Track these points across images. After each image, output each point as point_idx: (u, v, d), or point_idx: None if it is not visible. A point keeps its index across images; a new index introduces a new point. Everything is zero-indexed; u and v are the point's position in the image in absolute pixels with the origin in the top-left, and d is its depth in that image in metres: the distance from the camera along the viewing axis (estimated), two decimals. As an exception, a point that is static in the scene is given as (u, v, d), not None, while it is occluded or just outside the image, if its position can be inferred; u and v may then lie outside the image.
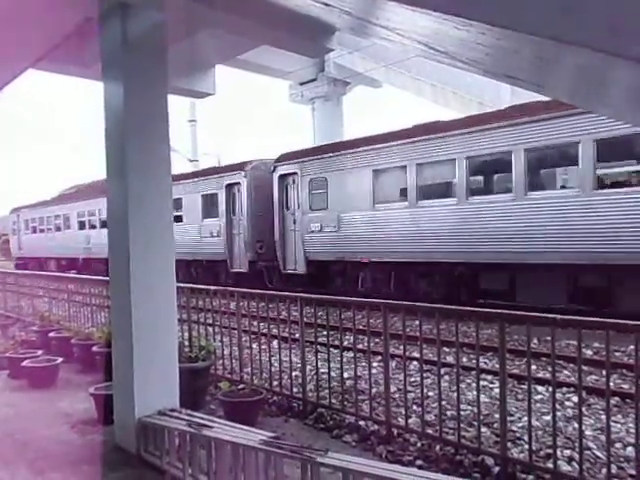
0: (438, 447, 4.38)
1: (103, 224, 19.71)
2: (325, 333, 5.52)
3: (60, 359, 7.06)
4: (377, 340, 6.47)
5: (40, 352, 7.53)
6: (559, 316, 3.66)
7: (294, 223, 14.99)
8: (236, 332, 6.42)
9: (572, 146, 9.51)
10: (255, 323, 6.16)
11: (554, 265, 9.80)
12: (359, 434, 4.82)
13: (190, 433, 3.93)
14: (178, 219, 17.17)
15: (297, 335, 5.91)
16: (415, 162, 11.88)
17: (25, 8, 3.90)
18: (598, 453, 4.27)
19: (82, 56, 5.18)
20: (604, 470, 3.79)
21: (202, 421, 4.09)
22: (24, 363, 6.93)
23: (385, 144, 12.58)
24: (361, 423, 4.99)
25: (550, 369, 3.98)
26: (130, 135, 4.45)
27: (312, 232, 14.40)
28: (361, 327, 5.76)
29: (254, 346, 6.12)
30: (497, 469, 3.96)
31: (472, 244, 10.92)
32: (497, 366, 6.42)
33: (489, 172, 11.43)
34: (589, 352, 7.37)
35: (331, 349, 5.45)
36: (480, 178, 11.60)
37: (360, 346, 5.40)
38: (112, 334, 5.04)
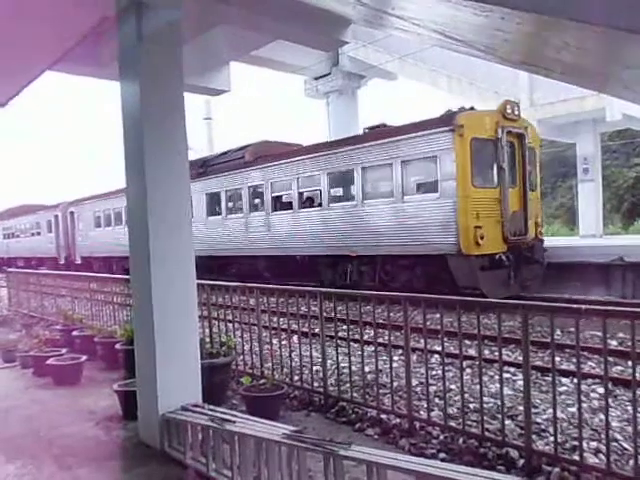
0: (461, 440, 4.35)
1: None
2: (345, 327, 5.52)
3: (84, 357, 7.15)
4: (397, 334, 6.45)
5: (64, 350, 7.64)
6: (584, 306, 3.61)
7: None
8: (256, 328, 6.45)
9: (388, 165, 12.15)
10: (275, 319, 6.17)
11: (373, 255, 12.70)
12: (381, 427, 4.80)
13: (213, 428, 3.95)
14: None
15: (317, 330, 5.92)
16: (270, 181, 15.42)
17: (43, 9, 3.94)
18: (625, 445, 4.21)
19: (98, 57, 5.22)
20: (631, 462, 3.72)
21: (225, 416, 4.11)
22: (49, 361, 7.02)
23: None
24: (383, 416, 4.98)
25: (574, 360, 3.93)
26: (147, 134, 4.47)
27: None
28: (381, 321, 5.75)
29: (274, 341, 6.14)
30: (522, 461, 3.92)
31: (328, 240, 13.73)
32: (520, 358, 6.38)
33: (342, 185, 14.04)
34: (614, 342, 7.27)
35: (351, 343, 5.44)
36: (336, 190, 14.10)
37: (380, 340, 5.37)
38: (134, 332, 5.09)
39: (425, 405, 4.76)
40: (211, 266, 16.44)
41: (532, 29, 1.66)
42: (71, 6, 4.01)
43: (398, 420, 4.87)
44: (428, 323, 4.65)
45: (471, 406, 4.98)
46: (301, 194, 14.64)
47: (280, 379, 5.85)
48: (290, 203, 14.88)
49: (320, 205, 14.02)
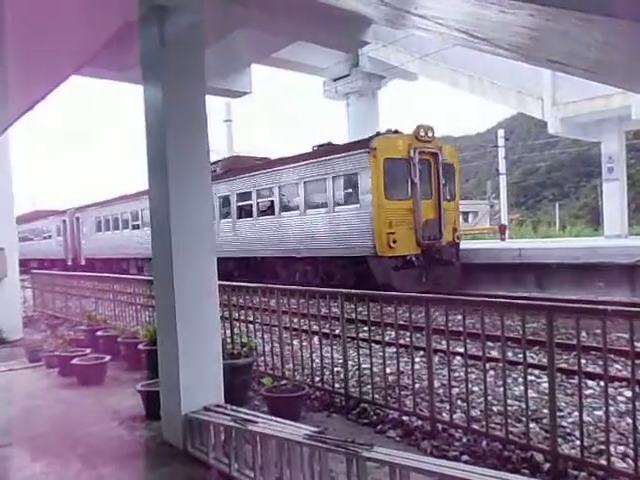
0: (485, 442, 4.30)
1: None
2: (366, 329, 5.50)
3: (107, 357, 7.24)
4: (418, 335, 6.41)
5: (88, 350, 7.73)
6: (610, 307, 3.54)
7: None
8: (276, 329, 6.46)
9: (323, 180, 14.35)
10: (295, 320, 6.18)
11: (315, 257, 14.83)
12: (403, 429, 4.78)
13: (235, 428, 3.97)
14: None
15: (337, 331, 5.91)
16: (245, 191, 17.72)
17: (68, 15, 4.01)
18: (654, 449, 4.11)
19: (122, 61, 5.29)
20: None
21: (247, 416, 4.13)
22: (73, 361, 7.13)
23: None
24: (405, 418, 4.95)
25: (600, 363, 3.86)
26: (170, 136, 4.52)
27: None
28: (402, 322, 5.72)
29: (295, 342, 6.14)
30: (547, 465, 3.87)
31: (281, 244, 15.93)
32: (544, 360, 6.29)
33: (290, 196, 15.93)
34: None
35: (372, 344, 5.42)
36: (286, 200, 16.09)
37: (402, 341, 5.35)
38: (157, 332, 5.14)
39: (447, 407, 4.72)
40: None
41: (561, 26, 1.63)
42: (94, 13, 4.07)
43: (420, 422, 4.84)
44: (450, 325, 4.61)
45: (494, 409, 4.92)
46: (259, 204, 16.97)
47: (301, 380, 5.85)
48: (251, 211, 17.27)
49: (273, 213, 16.31)
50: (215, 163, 18.65)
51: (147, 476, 4.18)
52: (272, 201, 16.29)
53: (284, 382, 5.64)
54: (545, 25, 1.61)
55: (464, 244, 16.32)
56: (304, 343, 6.14)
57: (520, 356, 6.63)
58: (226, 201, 18.28)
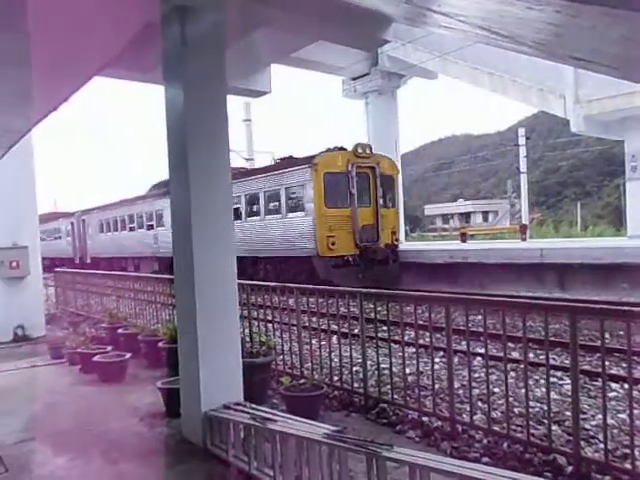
0: (505, 444, 4.26)
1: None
2: (384, 328, 5.48)
3: (128, 355, 7.31)
4: (437, 335, 6.37)
5: (109, 348, 7.81)
6: (636, 308, 3.47)
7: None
8: (295, 328, 6.47)
9: (278, 190, 16.79)
10: (314, 319, 6.18)
11: (272, 257, 17.15)
12: (422, 430, 4.75)
13: (255, 426, 3.98)
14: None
15: (356, 330, 5.90)
16: None
17: (91, 17, 4.05)
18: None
19: (143, 61, 5.33)
20: (687, 472, 3.57)
21: (266, 415, 4.14)
22: (95, 358, 7.21)
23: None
24: (424, 419, 4.92)
25: (625, 365, 3.79)
26: (191, 136, 4.55)
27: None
28: (421, 322, 5.68)
29: (313, 342, 6.15)
30: (570, 469, 3.81)
31: (247, 246, 17.89)
32: (566, 362, 6.21)
33: (253, 204, 18.36)
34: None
35: (391, 344, 5.40)
36: (250, 207, 18.48)
37: (421, 341, 5.32)
38: (177, 331, 5.18)
39: (467, 408, 4.68)
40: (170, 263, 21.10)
41: (587, 22, 1.59)
42: (117, 14, 4.12)
43: (440, 423, 4.81)
44: (469, 325, 4.57)
45: (515, 410, 4.86)
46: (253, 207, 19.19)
47: (320, 379, 5.85)
48: (250, 211, 19.30)
49: (241, 219, 18.35)
50: None
51: (167, 473, 4.22)
52: (239, 207, 18.48)
53: (303, 381, 5.65)
54: (571, 21, 1.58)
55: (478, 244, 17.62)
56: (322, 342, 6.13)
57: (541, 357, 6.59)
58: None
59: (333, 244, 15.13)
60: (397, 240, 17.03)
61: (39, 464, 4.47)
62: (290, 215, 16.55)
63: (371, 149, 16.41)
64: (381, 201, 16.45)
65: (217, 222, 4.74)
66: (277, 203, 17.11)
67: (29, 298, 10.72)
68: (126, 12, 4.07)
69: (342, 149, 16.17)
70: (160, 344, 7.30)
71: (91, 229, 31.73)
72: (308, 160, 15.70)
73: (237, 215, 18.23)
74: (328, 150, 16.24)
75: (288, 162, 17.35)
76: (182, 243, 4.78)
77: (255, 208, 18.24)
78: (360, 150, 15.95)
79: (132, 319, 9.73)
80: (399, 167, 19.01)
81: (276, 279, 15.03)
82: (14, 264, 10.46)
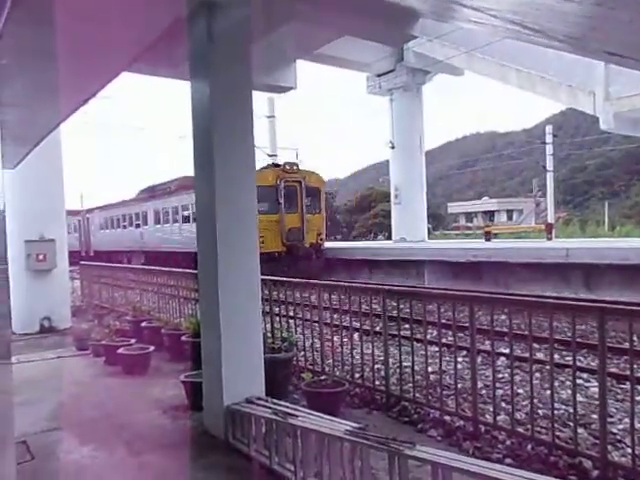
0: (529, 446, 4.19)
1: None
2: (406, 326, 5.44)
3: (152, 348, 7.40)
4: (460, 335, 6.30)
5: (133, 341, 7.91)
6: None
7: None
8: (316, 324, 6.47)
9: (177, 206, 23.12)
10: (336, 316, 6.17)
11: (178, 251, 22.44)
12: (444, 429, 4.71)
13: (276, 421, 3.99)
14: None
15: (378, 328, 5.87)
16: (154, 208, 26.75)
17: (117, 14, 4.09)
18: None
19: (170, 57, 5.37)
20: None
21: (287, 410, 4.15)
22: (119, 351, 7.31)
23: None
24: (446, 418, 4.88)
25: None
26: (216, 131, 4.57)
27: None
28: (444, 321, 5.63)
29: (335, 338, 6.14)
30: (596, 473, 3.74)
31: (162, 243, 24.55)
32: (592, 364, 6.10)
33: (162, 215, 25.23)
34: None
35: (413, 342, 5.36)
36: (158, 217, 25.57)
37: (444, 340, 5.27)
38: (201, 325, 5.23)
39: (491, 409, 4.62)
40: (155, 256, 25.67)
41: (625, 15, 1.54)
42: (144, 9, 4.14)
43: (462, 422, 4.76)
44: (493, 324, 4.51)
45: (540, 412, 4.79)
46: (193, 213, 22.59)
47: (341, 376, 5.84)
48: (188, 218, 23.03)
49: (179, 222, 23.85)
50: (171, 182, 26.11)
51: (190, 465, 4.25)
52: (187, 212, 22.67)
53: (324, 377, 5.65)
54: (609, 14, 1.54)
55: (502, 243, 16.53)
56: (344, 339, 6.12)
57: (567, 359, 6.48)
58: (175, 210, 24.63)
59: (263, 242, 17.41)
60: (322, 240, 20.65)
61: (64, 453, 4.55)
62: (186, 224, 22.30)
63: (298, 166, 20.39)
64: (306, 209, 20.05)
65: (241, 218, 4.76)
66: (174, 215, 23.42)
67: (55, 290, 10.92)
68: (155, 7, 4.09)
69: (277, 166, 20.04)
70: (183, 338, 7.38)
71: (94, 226, 36.32)
72: None
73: (194, 219, 22.16)
74: (262, 168, 19.55)
75: None
76: (206, 238, 4.81)
77: (159, 218, 24.30)
78: (288, 167, 19.88)
79: (155, 313, 9.84)
80: (324, 180, 22.65)
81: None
82: (41, 257, 10.66)
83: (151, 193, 28.47)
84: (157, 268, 11.82)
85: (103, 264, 17.77)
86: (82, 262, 16.65)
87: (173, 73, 14.89)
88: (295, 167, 20.12)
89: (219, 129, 4.57)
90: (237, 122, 4.69)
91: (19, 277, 10.37)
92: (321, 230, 20.80)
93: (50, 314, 10.71)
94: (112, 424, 5.22)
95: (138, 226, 28.62)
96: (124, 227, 30.80)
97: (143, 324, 8.97)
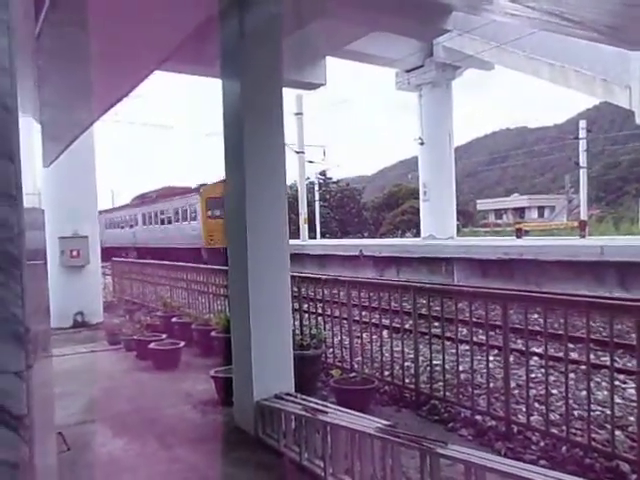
0: (564, 448, 4.10)
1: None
2: (437, 324, 5.38)
3: (182, 343, 7.49)
4: (491, 333, 6.21)
5: (164, 336, 8.03)
6: None
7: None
8: (345, 322, 6.45)
9: (187, 207, 27.47)
10: (365, 313, 6.14)
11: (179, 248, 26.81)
12: (475, 429, 4.65)
13: (306, 417, 3.99)
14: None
15: (407, 325, 5.83)
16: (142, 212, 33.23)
17: (152, 11, 4.14)
18: None
19: (201, 55, 5.41)
20: None
21: (317, 406, 4.15)
22: (150, 345, 7.41)
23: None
24: (477, 418, 4.81)
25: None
26: (247, 129, 4.58)
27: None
28: (475, 319, 5.55)
29: (364, 336, 6.11)
30: (634, 477, 3.64)
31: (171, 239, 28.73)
32: (629, 365, 5.94)
33: (175, 214, 29.11)
34: None
35: (442, 340, 5.30)
36: (174, 216, 29.46)
37: (475, 339, 5.19)
38: (231, 321, 5.26)
39: (523, 409, 4.54)
40: (144, 251, 30.74)
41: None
42: (177, 8, 4.18)
43: (494, 422, 4.69)
44: (519, 323, 4.43)
45: (575, 413, 4.68)
46: (168, 217, 30.10)
47: (370, 373, 5.82)
48: (164, 221, 30.54)
49: (170, 223, 29.53)
50: (154, 191, 33.42)
51: (220, 460, 4.29)
52: (170, 216, 29.73)
53: (353, 375, 5.63)
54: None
55: (534, 241, 15.98)
56: (374, 337, 6.09)
57: (603, 359, 6.34)
58: (155, 214, 31.68)
59: (212, 240, 24.69)
60: None
61: (98, 445, 4.64)
62: (192, 222, 27.09)
63: None
64: None
65: (271, 215, 4.76)
66: (186, 215, 27.90)
67: (88, 286, 11.15)
68: (187, 5, 4.13)
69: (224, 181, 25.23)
70: (212, 333, 7.45)
71: (101, 226, 39.96)
72: (197, 190, 26.97)
73: (168, 221, 30.18)
74: (214, 183, 25.32)
75: (192, 190, 28.10)
76: (237, 235, 4.83)
77: (174, 217, 29.31)
78: None
79: (185, 308, 9.95)
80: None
81: (182, 260, 21.58)
82: (75, 253, 10.89)
83: (140, 200, 35.38)
84: (187, 265, 11.96)
85: (134, 260, 18.06)
86: (113, 258, 16.93)
87: (204, 71, 15.00)
88: None
89: (250, 126, 4.59)
90: (268, 119, 4.70)
91: (53, 273, 10.60)
92: None
93: (83, 309, 10.94)
94: (144, 417, 5.30)
95: (132, 227, 35.23)
96: (122, 227, 37.28)
97: (173, 319, 9.08)
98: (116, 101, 6.46)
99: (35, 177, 1.63)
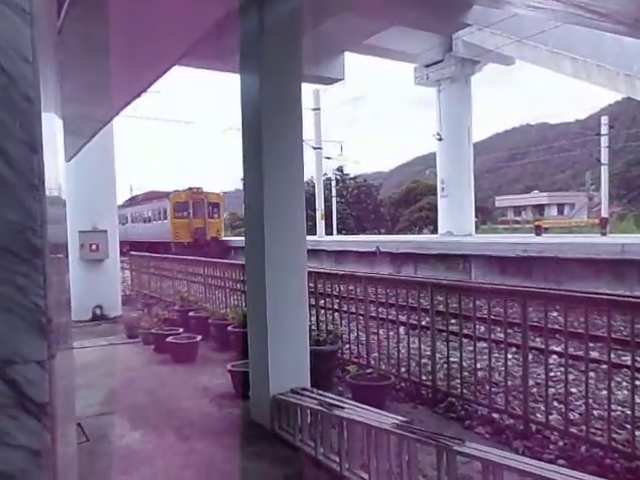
0: (583, 448, 4.06)
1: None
2: (454, 321, 5.34)
3: (199, 337, 7.55)
4: (510, 331, 6.15)
5: (181, 330, 8.10)
6: None
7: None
8: (362, 318, 6.44)
9: (163, 210, 34.77)
10: (382, 309, 6.12)
11: (159, 242, 33.80)
12: (493, 427, 4.61)
13: (322, 412, 3.99)
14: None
15: (424, 322, 5.80)
16: (130, 212, 41.45)
17: (171, 6, 4.15)
18: None
19: (220, 50, 5.41)
20: None
21: (333, 401, 4.15)
22: (168, 339, 7.49)
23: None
24: (495, 416, 4.78)
25: None
26: (266, 124, 4.58)
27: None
28: (493, 316, 5.50)
29: (380, 332, 6.10)
30: (655, 478, 3.58)
31: (151, 234, 35.97)
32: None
33: (153, 214, 36.97)
34: None
35: (460, 338, 5.26)
36: (152, 216, 37.29)
37: (493, 336, 5.15)
38: (248, 315, 5.28)
39: (542, 407, 4.50)
40: (132, 245, 34.19)
41: None
42: (196, 3, 4.19)
43: (512, 421, 4.65)
44: (537, 320, 4.37)
45: (595, 413, 4.62)
46: (149, 216, 36.98)
47: (386, 370, 5.80)
48: (145, 219, 37.92)
49: (150, 221, 36.44)
50: (140, 195, 41.35)
51: (237, 454, 4.31)
52: (149, 216, 36.70)
53: (369, 371, 5.62)
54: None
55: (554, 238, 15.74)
56: (390, 333, 6.07)
57: (624, 359, 6.24)
58: (140, 214, 38.72)
59: (178, 236, 31.90)
60: (219, 235, 33.67)
61: (117, 436, 4.69)
62: (164, 221, 33.64)
63: (201, 189, 34.21)
64: (208, 215, 33.21)
65: (289, 210, 4.76)
66: (159, 214, 34.83)
67: (107, 280, 11.27)
68: (206, 0, 4.13)
69: (190, 189, 33.84)
70: (229, 328, 7.49)
71: None
72: (167, 195, 33.70)
73: (148, 220, 37.16)
74: (184, 189, 34.04)
75: (165, 195, 34.27)
76: (254, 231, 4.84)
77: (152, 217, 36.20)
78: (196, 190, 33.70)
79: (202, 303, 10.02)
80: (222, 197, 36.36)
81: (156, 251, 24.78)
82: (94, 247, 11.01)
83: (130, 202, 43.09)
84: (204, 259, 12.02)
85: (152, 254, 18.25)
86: (132, 252, 17.10)
87: (222, 66, 15.04)
88: (200, 190, 34.03)
89: (268, 122, 4.58)
90: (286, 115, 4.69)
91: (73, 266, 10.74)
92: (219, 229, 34.19)
93: (102, 302, 11.06)
94: (161, 410, 5.35)
95: (124, 224, 39.67)
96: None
97: (190, 314, 9.15)
98: (136, 96, 6.50)
99: (58, 170, 1.64)
